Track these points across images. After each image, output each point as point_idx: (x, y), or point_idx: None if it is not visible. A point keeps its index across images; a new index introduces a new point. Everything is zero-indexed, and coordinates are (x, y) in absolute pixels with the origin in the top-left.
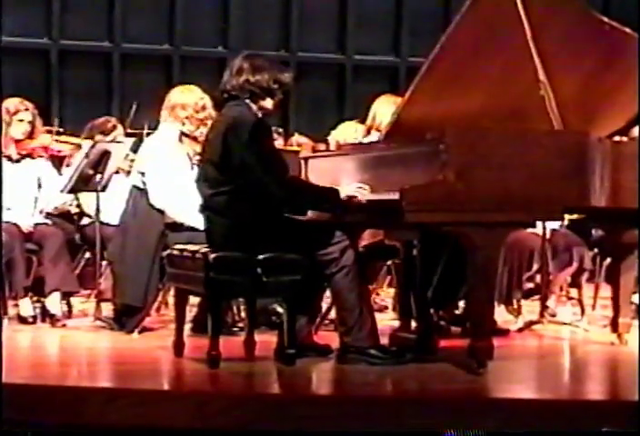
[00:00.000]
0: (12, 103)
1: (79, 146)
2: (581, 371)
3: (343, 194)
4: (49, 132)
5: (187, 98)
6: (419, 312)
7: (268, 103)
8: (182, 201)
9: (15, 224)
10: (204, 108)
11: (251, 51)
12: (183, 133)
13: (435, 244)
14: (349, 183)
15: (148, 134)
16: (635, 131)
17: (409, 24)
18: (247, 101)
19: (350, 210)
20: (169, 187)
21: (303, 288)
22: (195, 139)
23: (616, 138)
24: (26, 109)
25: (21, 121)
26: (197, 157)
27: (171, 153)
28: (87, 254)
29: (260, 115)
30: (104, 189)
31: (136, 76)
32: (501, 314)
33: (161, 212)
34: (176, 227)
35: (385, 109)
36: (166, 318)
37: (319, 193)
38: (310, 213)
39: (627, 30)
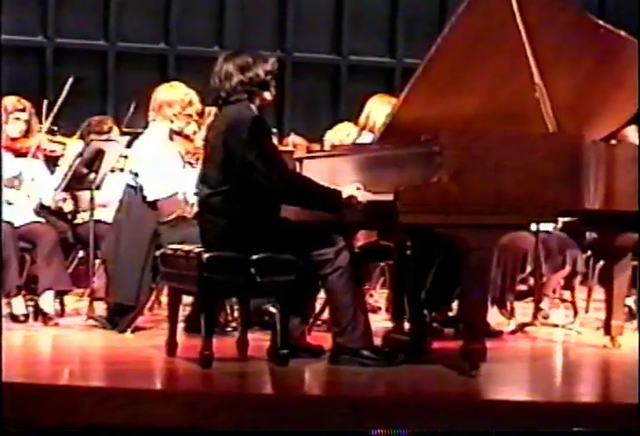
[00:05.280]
0: (9, 101)
1: (64, 144)
2: (574, 374)
3: (344, 194)
4: (50, 132)
5: (173, 95)
6: (412, 314)
7: (267, 95)
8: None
9: (8, 222)
10: (190, 103)
11: (226, 51)
12: (174, 132)
13: (428, 246)
14: (344, 184)
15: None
16: (624, 132)
17: (405, 25)
18: (246, 102)
19: (347, 210)
20: (163, 182)
21: (296, 288)
22: (187, 137)
23: (613, 141)
24: (24, 108)
25: (18, 119)
26: (189, 156)
27: (161, 151)
28: (81, 253)
29: (258, 112)
30: (98, 188)
31: (132, 75)
32: (494, 316)
33: (155, 209)
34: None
35: (378, 109)
36: (159, 317)
37: (322, 191)
38: (306, 214)
39: (622, 33)
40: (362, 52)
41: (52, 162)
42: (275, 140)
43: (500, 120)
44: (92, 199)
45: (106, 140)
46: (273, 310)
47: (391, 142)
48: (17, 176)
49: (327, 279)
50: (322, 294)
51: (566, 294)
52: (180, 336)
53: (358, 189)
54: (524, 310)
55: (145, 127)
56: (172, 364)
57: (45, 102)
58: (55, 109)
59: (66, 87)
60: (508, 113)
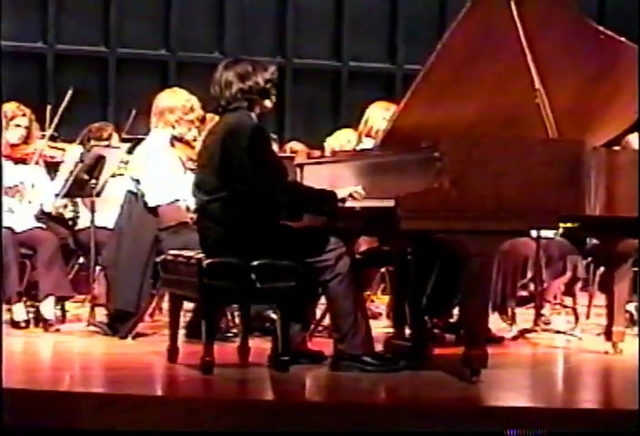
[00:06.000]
0: (9, 107)
1: (64, 150)
2: (575, 380)
3: (339, 196)
4: (51, 138)
5: (174, 101)
6: (413, 320)
7: (267, 103)
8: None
9: (8, 228)
10: (192, 109)
11: (226, 58)
12: (176, 138)
13: (429, 252)
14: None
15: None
16: (628, 139)
17: (405, 30)
18: (246, 110)
19: (345, 216)
20: (164, 188)
21: (297, 294)
22: (187, 143)
23: (615, 148)
24: (23, 114)
25: (18, 126)
26: (190, 162)
27: (162, 157)
28: (81, 259)
29: (257, 120)
30: (98, 195)
31: (132, 81)
32: (495, 322)
33: (156, 215)
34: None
35: (377, 115)
36: (160, 323)
37: (319, 195)
38: (306, 219)
39: (623, 39)
40: (362, 58)
41: (52, 168)
42: (275, 147)
43: (500, 126)
44: (92, 205)
45: (107, 146)
46: (273, 316)
47: (391, 148)
48: (18, 186)
49: (328, 285)
50: (323, 300)
51: (567, 300)
52: (181, 342)
53: (356, 192)
54: (525, 316)
55: (147, 133)
56: (173, 370)
57: (49, 107)
58: (56, 119)
59: (66, 99)
60: (508, 118)
